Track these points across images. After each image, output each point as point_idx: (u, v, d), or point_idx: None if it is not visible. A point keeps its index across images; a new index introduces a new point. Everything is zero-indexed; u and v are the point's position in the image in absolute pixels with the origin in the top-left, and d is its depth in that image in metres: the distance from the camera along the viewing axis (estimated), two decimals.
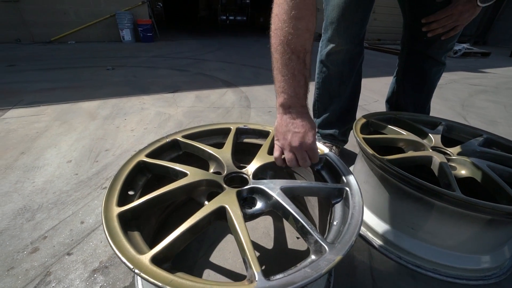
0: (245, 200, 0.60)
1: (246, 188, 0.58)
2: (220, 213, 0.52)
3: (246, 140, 0.87)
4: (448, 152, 0.84)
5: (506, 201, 0.64)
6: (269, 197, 0.56)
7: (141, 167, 0.68)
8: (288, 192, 0.57)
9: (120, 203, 0.54)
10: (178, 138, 0.78)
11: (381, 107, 2.09)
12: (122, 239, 0.44)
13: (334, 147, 1.21)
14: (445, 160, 0.75)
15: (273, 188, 0.57)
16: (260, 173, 0.66)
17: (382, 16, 7.98)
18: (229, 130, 0.84)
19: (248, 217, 0.55)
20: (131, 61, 3.48)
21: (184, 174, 0.62)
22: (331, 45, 1.02)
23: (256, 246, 0.78)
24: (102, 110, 1.79)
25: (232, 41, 6.44)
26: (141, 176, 0.68)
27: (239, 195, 0.56)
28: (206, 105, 1.91)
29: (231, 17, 12.00)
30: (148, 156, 0.70)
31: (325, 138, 1.24)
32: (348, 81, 1.10)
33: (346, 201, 0.57)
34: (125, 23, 5.38)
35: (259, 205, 0.57)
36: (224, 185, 0.60)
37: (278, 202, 0.54)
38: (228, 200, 0.53)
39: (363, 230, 0.84)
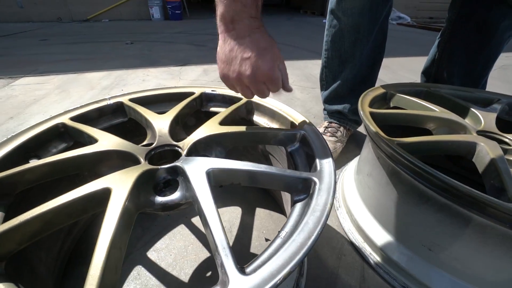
0: (168, 184, 0.41)
1: (164, 168, 0.40)
2: (102, 199, 0.34)
3: (213, 109, 0.68)
4: (506, 140, 0.56)
5: None
6: (190, 183, 0.37)
7: (61, 131, 0.53)
8: (219, 177, 0.38)
9: None
10: (123, 101, 0.62)
11: None
12: None
13: (342, 128, 0.95)
14: (500, 151, 0.48)
15: (198, 169, 0.37)
16: (202, 149, 0.47)
17: None
18: (191, 95, 0.66)
19: (158, 207, 0.37)
20: (152, 37, 3.42)
21: (94, 141, 0.46)
22: None
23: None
24: (104, 80, 1.72)
25: (263, 18, 6.11)
26: (58, 142, 0.53)
27: (148, 175, 0.38)
28: (210, 79, 1.74)
29: None
30: (74, 119, 0.55)
31: (332, 116, 0.98)
32: (367, 38, 0.81)
33: (311, 200, 0.35)
34: (154, 0, 5.36)
35: (177, 193, 0.38)
36: (142, 160, 0.42)
37: (193, 190, 0.34)
38: (122, 179, 0.35)
39: (359, 241, 0.61)
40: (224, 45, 0.41)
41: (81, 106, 0.59)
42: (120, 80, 1.72)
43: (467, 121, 0.60)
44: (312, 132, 0.48)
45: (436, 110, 0.61)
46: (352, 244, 0.62)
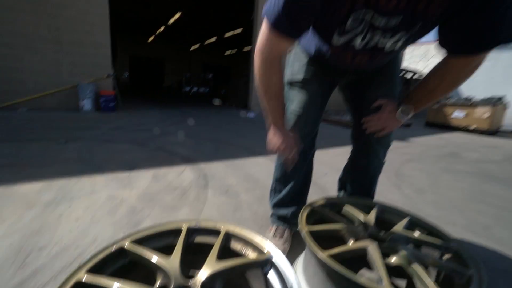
0: None
1: None
2: None
3: (198, 240, 0.88)
4: (381, 238, 0.95)
5: None
6: None
7: None
8: None
9: None
10: (125, 247, 0.76)
11: (331, 179, 2.30)
12: None
13: (287, 231, 1.27)
14: (378, 250, 0.85)
15: None
16: (209, 284, 0.66)
17: None
18: (179, 230, 0.85)
19: None
20: (88, 134, 3.40)
21: None
22: None
23: None
24: (44, 194, 1.65)
25: (194, 112, 6.81)
26: None
27: None
28: (162, 186, 1.89)
29: (194, 89, 12.99)
30: (90, 271, 0.66)
31: (279, 220, 1.31)
32: (301, 168, 1.27)
33: None
34: (86, 94, 5.44)
35: None
36: None
37: None
38: None
39: None
40: (271, 132, 1.08)
41: (92, 257, 0.70)
42: (64, 192, 1.68)
43: (361, 228, 0.99)
44: (278, 256, 0.75)
45: (342, 222, 1.00)
46: None
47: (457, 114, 7.17)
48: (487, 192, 2.38)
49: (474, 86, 8.16)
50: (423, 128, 7.31)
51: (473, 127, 6.90)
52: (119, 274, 0.71)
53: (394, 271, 0.85)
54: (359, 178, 1.33)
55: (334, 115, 7.45)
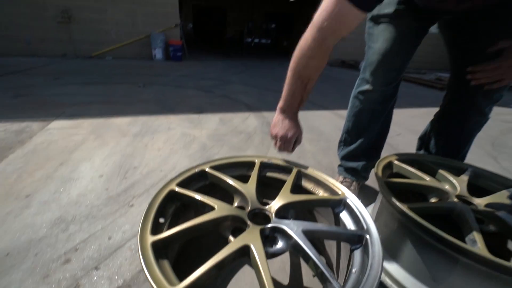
0: (267, 238, 0.62)
1: (269, 227, 0.61)
2: (244, 251, 0.55)
3: (269, 174, 0.91)
4: (474, 202, 0.83)
5: None
6: (290, 238, 0.58)
7: (172, 196, 0.73)
8: (309, 234, 0.60)
9: (153, 232, 0.59)
10: (206, 169, 0.83)
11: (404, 141, 2.07)
12: (156, 270, 0.48)
13: (354, 183, 1.21)
14: (471, 212, 0.74)
15: (295, 229, 0.59)
16: (282, 211, 0.69)
17: None
18: (253, 163, 0.89)
19: (269, 256, 0.58)
20: (160, 80, 3.72)
21: (211, 208, 0.66)
22: (367, 85, 1.06)
23: None
24: (132, 127, 1.92)
25: (256, 63, 6.69)
26: (171, 204, 0.72)
27: (262, 233, 0.59)
28: (229, 129, 1.99)
29: (256, 40, 12.57)
30: (178, 185, 0.75)
31: (347, 171, 1.25)
32: (379, 118, 1.13)
33: (366, 248, 0.58)
34: (158, 43, 5.81)
35: (280, 244, 0.60)
36: (248, 222, 0.63)
37: (298, 245, 0.56)
38: (252, 238, 0.56)
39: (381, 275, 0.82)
40: (276, 118, 0.87)
41: (180, 175, 0.79)
42: (147, 127, 1.93)
43: (448, 188, 0.87)
44: (352, 199, 0.72)
45: (427, 180, 0.88)
46: None
47: None
48: None
49: None
50: None
51: None
52: (201, 191, 0.79)
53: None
54: (451, 134, 1.11)
55: (414, 73, 6.38)
